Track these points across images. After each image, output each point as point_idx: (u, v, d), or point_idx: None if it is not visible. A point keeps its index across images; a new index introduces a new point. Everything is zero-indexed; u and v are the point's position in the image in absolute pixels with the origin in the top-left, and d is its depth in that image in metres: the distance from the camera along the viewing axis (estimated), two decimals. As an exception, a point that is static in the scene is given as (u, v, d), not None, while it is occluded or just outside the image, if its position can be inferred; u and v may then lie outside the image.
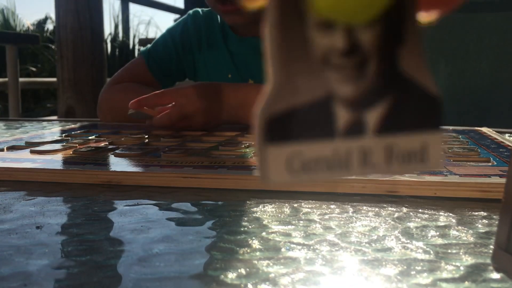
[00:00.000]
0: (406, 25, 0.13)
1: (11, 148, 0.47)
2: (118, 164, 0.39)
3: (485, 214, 0.28)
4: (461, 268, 0.20)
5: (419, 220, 0.27)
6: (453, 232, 0.25)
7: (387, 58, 0.13)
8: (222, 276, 0.20)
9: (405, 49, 0.13)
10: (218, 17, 0.85)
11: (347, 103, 0.13)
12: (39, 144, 0.48)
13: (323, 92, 0.13)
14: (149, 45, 0.88)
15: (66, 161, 0.40)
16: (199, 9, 0.88)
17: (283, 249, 0.22)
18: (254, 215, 0.28)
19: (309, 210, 0.29)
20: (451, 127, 0.64)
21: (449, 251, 0.22)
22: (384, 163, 0.13)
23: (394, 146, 0.13)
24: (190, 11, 0.88)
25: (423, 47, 0.13)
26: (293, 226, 0.26)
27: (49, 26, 4.59)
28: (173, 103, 0.61)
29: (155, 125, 0.61)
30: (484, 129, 0.60)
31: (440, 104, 0.14)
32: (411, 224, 0.26)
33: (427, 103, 0.13)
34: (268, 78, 0.13)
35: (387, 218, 0.27)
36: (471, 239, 0.24)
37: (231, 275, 0.20)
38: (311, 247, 0.23)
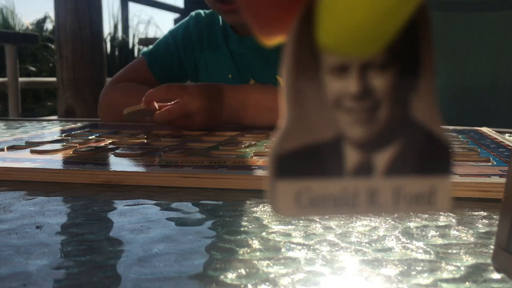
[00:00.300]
0: (420, 72, 0.14)
1: (11, 148, 0.47)
2: (118, 164, 0.39)
3: (485, 214, 0.28)
4: (462, 268, 0.20)
5: (419, 220, 0.27)
6: (453, 232, 0.25)
7: (399, 104, 0.13)
8: (222, 276, 0.20)
9: (418, 96, 0.14)
10: (220, 18, 0.85)
11: (357, 144, 0.13)
12: (39, 144, 0.48)
13: (334, 133, 0.13)
14: (150, 46, 0.88)
15: (66, 161, 0.40)
16: (201, 11, 0.89)
17: (283, 249, 0.22)
18: (254, 215, 0.28)
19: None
20: (451, 127, 0.64)
21: (450, 251, 0.22)
22: (391, 203, 0.14)
23: (402, 188, 0.14)
24: (193, 13, 0.89)
25: (436, 95, 0.14)
26: (293, 226, 0.26)
27: (48, 25, 4.59)
28: (176, 99, 0.61)
29: (155, 120, 0.61)
30: (484, 129, 0.60)
31: (450, 150, 0.14)
32: (411, 224, 0.26)
33: (437, 148, 0.14)
34: (282, 116, 0.14)
35: (387, 218, 0.27)
36: (472, 239, 0.24)
37: (231, 275, 0.20)
38: (311, 247, 0.23)
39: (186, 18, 0.89)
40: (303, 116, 0.13)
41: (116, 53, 4.17)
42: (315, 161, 0.13)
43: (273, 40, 0.13)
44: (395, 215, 0.27)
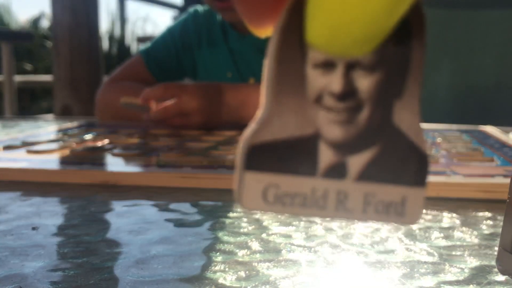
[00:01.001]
0: (408, 78, 0.13)
1: (7, 147, 0.46)
2: (116, 164, 0.39)
3: (489, 215, 0.28)
4: (466, 270, 0.20)
5: (423, 221, 0.27)
6: (457, 234, 0.25)
7: (381, 108, 0.13)
8: (222, 279, 0.19)
9: (402, 104, 0.13)
10: (219, 15, 0.85)
11: (333, 144, 0.13)
12: (35, 144, 0.47)
13: (311, 130, 0.13)
14: (148, 44, 0.88)
15: (62, 161, 0.40)
16: (200, 7, 0.88)
17: (283, 251, 0.22)
18: (254, 216, 0.28)
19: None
20: (455, 126, 0.64)
21: (453, 253, 0.22)
22: (360, 210, 0.13)
23: (373, 195, 0.13)
24: (191, 10, 0.88)
25: (420, 106, 0.13)
26: (293, 228, 0.25)
27: (45, 23, 4.57)
28: (174, 98, 0.61)
29: (151, 118, 0.61)
30: (489, 128, 0.60)
31: (428, 162, 0.13)
32: (414, 226, 0.26)
33: (415, 158, 0.13)
34: (261, 106, 0.13)
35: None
36: (476, 240, 0.24)
37: (230, 278, 0.19)
38: (312, 249, 0.22)
39: (184, 16, 0.89)
40: (281, 109, 0.13)
41: (114, 50, 4.16)
42: (287, 157, 0.13)
43: (264, 31, 0.13)
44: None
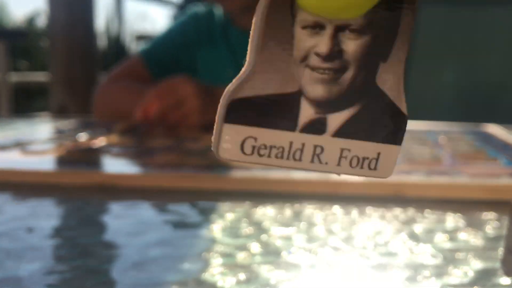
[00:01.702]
0: (395, 44, 0.13)
1: (1, 148, 0.46)
2: (113, 164, 0.38)
3: (494, 216, 0.28)
4: (470, 272, 0.20)
5: (427, 222, 0.26)
6: (461, 235, 0.24)
7: (366, 70, 0.13)
8: (221, 282, 0.19)
9: (387, 66, 0.14)
10: (218, 14, 0.85)
11: (315, 102, 0.13)
12: (30, 144, 0.47)
13: (294, 88, 0.13)
14: (147, 44, 0.88)
15: (58, 162, 0.39)
16: (199, 7, 0.88)
17: (284, 253, 0.22)
18: (254, 217, 0.27)
19: (311, 212, 0.28)
20: (458, 125, 0.64)
21: (457, 255, 0.22)
22: (334, 163, 0.14)
23: (348, 149, 0.14)
24: (190, 10, 0.89)
25: (405, 70, 0.14)
26: (294, 229, 0.25)
27: (42, 21, 4.56)
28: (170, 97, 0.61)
29: (146, 117, 0.61)
30: (493, 127, 0.59)
31: (405, 122, 0.14)
32: (418, 227, 0.26)
33: (393, 117, 0.14)
34: (246, 62, 0.13)
35: (393, 221, 0.27)
36: (480, 242, 0.24)
37: (230, 281, 0.19)
38: (313, 251, 0.22)
39: (184, 17, 0.89)
40: (266, 67, 0.13)
41: (111, 48, 4.15)
42: (268, 112, 0.13)
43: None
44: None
